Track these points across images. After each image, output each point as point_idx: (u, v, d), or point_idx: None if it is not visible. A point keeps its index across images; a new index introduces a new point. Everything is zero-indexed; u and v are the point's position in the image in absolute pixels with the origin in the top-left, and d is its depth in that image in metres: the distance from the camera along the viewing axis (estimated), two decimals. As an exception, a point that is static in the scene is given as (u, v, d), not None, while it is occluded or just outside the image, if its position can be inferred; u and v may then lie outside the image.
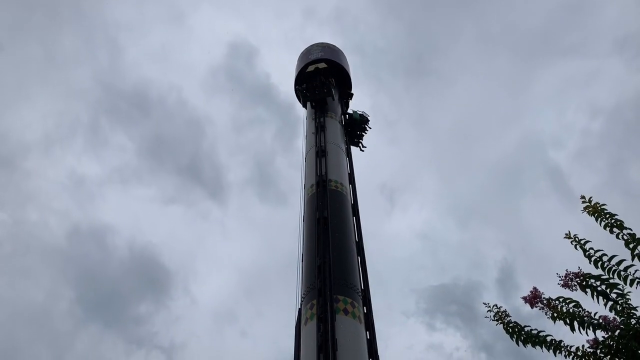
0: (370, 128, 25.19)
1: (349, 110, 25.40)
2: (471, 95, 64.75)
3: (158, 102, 62.94)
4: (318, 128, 21.27)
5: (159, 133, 60.89)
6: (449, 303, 49.94)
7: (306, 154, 21.17)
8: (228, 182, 63.12)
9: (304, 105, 23.97)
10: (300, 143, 22.08)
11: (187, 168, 60.19)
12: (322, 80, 22.63)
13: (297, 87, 23.52)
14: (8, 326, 44.54)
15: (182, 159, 62.87)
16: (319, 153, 19.89)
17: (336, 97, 24.15)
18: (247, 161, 65.67)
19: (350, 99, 25.94)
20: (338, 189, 18.80)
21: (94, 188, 58.16)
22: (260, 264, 56.78)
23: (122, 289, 51.39)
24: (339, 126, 22.47)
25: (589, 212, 4.73)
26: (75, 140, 63.22)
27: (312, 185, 18.89)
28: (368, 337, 14.97)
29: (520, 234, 55.83)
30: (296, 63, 26.86)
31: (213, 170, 60.23)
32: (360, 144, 24.93)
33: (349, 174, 20.54)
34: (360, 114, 24.90)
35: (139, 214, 63.05)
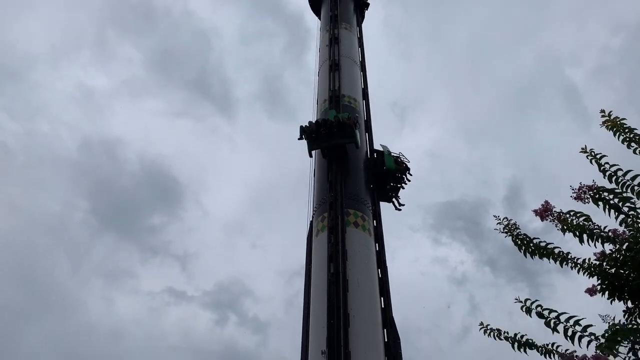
0: (410, 180, 17.31)
1: (378, 147, 17.80)
2: (488, 10, 61.85)
3: (164, 12, 61.07)
4: (332, 41, 20.60)
5: (166, 45, 59.66)
6: (455, 219, 50.87)
7: (319, 68, 20.71)
8: (236, 97, 62.64)
9: (310, 155, 17.02)
10: (310, 58, 21.06)
11: (195, 82, 59.57)
12: (341, 121, 16.07)
13: (304, 126, 16.40)
14: (26, 234, 46.40)
15: (189, 73, 62.11)
16: (333, 67, 19.46)
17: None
18: (256, 76, 64.75)
19: (367, 9, 24.88)
20: (351, 105, 18.57)
21: (102, 100, 58.07)
22: (270, 179, 57.65)
23: (135, 200, 52.83)
24: (354, 38, 21.76)
25: (607, 127, 4.61)
26: (82, 52, 62.40)
27: (324, 101, 18.66)
28: (377, 249, 15.46)
29: (531, 153, 55.53)
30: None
31: (221, 84, 59.56)
32: (396, 201, 17.51)
33: (362, 89, 20.20)
34: (395, 158, 17.11)
35: (149, 127, 63.37)
